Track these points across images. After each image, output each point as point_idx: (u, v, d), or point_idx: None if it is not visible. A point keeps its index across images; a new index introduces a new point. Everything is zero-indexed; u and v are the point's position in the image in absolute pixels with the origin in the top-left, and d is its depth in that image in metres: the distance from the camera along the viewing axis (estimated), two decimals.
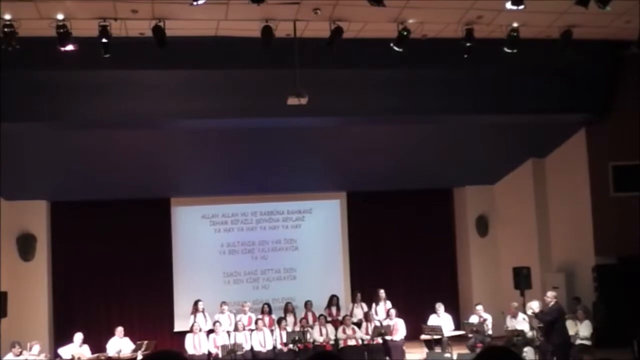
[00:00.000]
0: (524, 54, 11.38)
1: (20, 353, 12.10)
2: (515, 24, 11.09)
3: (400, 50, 10.95)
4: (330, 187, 16.88)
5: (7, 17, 9.57)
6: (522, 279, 13.83)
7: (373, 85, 12.74)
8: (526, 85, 13.31)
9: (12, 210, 15.14)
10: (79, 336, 13.00)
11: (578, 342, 12.80)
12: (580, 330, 13.02)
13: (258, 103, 12.32)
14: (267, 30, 10.44)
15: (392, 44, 10.92)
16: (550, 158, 16.18)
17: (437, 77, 12.85)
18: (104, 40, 10.05)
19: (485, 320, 13.86)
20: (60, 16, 9.70)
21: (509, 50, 11.27)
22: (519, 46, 11.23)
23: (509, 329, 13.38)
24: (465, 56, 11.25)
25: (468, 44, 11.14)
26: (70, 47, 9.99)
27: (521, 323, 13.32)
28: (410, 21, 10.85)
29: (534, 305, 12.41)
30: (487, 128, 14.62)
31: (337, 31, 10.67)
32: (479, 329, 13.65)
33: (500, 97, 13.27)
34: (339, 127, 14.22)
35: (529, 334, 12.99)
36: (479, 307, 14.14)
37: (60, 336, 14.75)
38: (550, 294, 12.60)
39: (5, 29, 9.59)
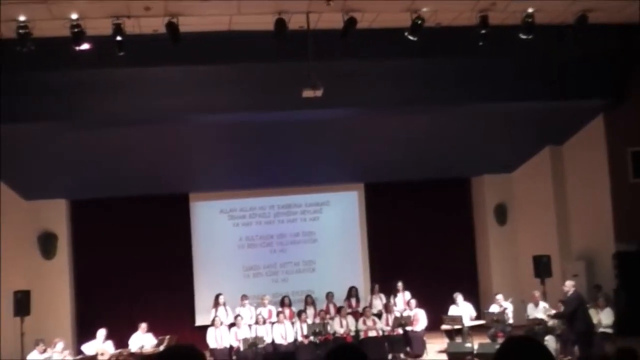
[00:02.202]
0: (539, 40, 11.28)
1: (45, 350, 12.21)
2: (530, 10, 10.99)
3: (415, 39, 10.89)
4: (347, 179, 16.87)
5: (22, 18, 9.62)
6: (542, 267, 13.76)
7: (388, 76, 12.69)
8: (542, 72, 13.19)
9: (32, 209, 15.29)
10: (102, 332, 13.09)
11: (600, 330, 12.71)
12: (602, 318, 12.93)
13: (274, 96, 12.32)
14: (280, 23, 10.42)
15: (406, 33, 10.86)
16: (568, 145, 16.06)
17: (452, 65, 12.78)
18: (118, 38, 10.08)
19: (505, 309, 13.80)
20: (74, 16, 9.73)
21: (525, 37, 11.17)
22: (534, 32, 11.12)
23: (530, 317, 13.31)
24: (481, 44, 11.17)
25: (483, 31, 11.06)
26: (85, 47, 10.04)
27: (542, 312, 13.24)
28: (424, 9, 10.79)
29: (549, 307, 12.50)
30: (504, 116, 14.52)
31: (351, 22, 10.62)
32: (499, 318, 13.59)
33: (516, 84, 13.17)
34: (355, 118, 14.19)
35: (550, 322, 12.92)
36: (499, 297, 14.08)
37: (83, 333, 14.88)
38: (569, 283, 12.53)
39: (20, 31, 9.64)
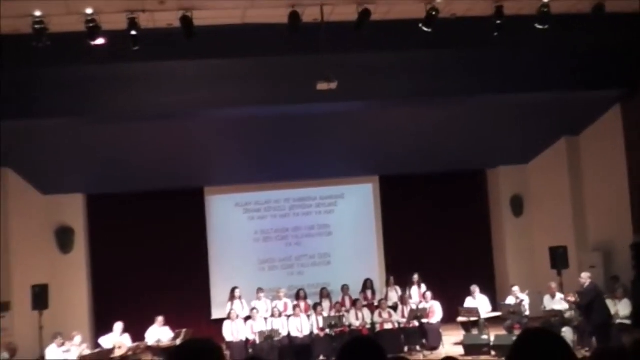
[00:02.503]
0: (555, 31, 11.18)
1: (63, 344, 12.31)
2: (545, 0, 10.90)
3: (429, 30, 10.83)
4: (362, 172, 16.86)
5: (38, 13, 9.66)
6: (558, 259, 13.68)
7: (403, 68, 12.64)
8: (558, 62, 13.09)
9: (49, 204, 15.42)
10: (119, 326, 13.17)
11: (618, 321, 12.63)
12: (620, 309, 12.85)
13: (288, 89, 12.32)
14: (294, 16, 10.40)
15: (420, 25, 10.80)
16: (585, 135, 15.95)
17: (467, 56, 12.71)
18: (133, 32, 10.10)
19: (522, 301, 13.75)
20: (89, 11, 9.77)
21: (540, 27, 11.07)
22: (550, 22, 11.03)
23: (547, 309, 13.25)
24: (496, 34, 11.09)
25: (498, 22, 10.97)
26: (100, 41, 10.07)
27: (559, 303, 13.19)
28: (439, 0, 10.72)
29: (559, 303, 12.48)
30: (519, 107, 14.44)
31: (365, 14, 10.58)
32: (516, 310, 13.55)
33: (532, 75, 13.07)
34: (370, 111, 14.17)
35: (567, 314, 12.86)
36: (515, 288, 14.03)
37: (101, 326, 14.98)
38: (585, 275, 12.47)
39: (36, 26, 9.69)
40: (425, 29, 10.82)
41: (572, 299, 12.47)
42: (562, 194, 16.21)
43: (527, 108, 14.42)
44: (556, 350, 2.35)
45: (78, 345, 12.53)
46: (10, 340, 12.87)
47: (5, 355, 12.01)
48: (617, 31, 12.53)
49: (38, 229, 15.24)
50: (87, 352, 12.41)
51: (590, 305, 11.89)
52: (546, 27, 11.06)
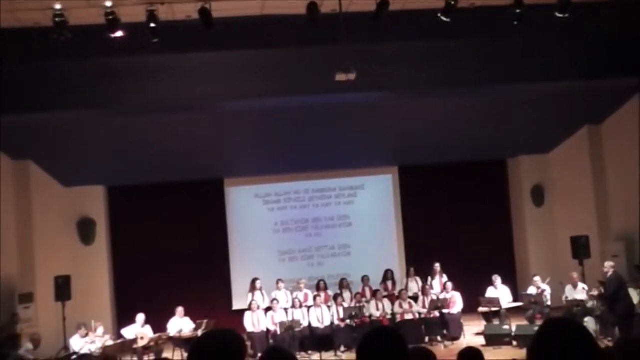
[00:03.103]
0: (575, 18, 11.06)
1: (87, 334, 12.45)
2: None
3: (448, 20, 10.75)
4: (381, 162, 16.84)
5: (58, 7, 9.72)
6: (580, 248, 13.60)
7: (421, 58, 12.58)
8: (579, 51, 12.95)
9: (71, 196, 15.57)
10: (141, 317, 13.29)
11: None
12: None
13: (307, 81, 12.30)
14: (312, 7, 10.37)
15: (439, 14, 10.74)
16: (607, 124, 15.81)
17: (486, 46, 12.60)
18: (152, 25, 10.13)
19: (543, 291, 13.70)
20: (108, 3, 9.81)
21: (560, 15, 10.95)
22: (570, 10, 10.91)
23: (569, 299, 13.18)
24: (515, 23, 10.98)
25: (518, 11, 10.87)
26: (119, 34, 10.11)
27: (581, 293, 13.11)
28: None
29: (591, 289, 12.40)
30: (540, 96, 14.32)
31: (383, 4, 10.52)
32: (537, 300, 13.50)
33: (552, 64, 12.95)
34: (389, 101, 14.12)
35: (589, 303, 12.78)
36: (537, 278, 13.96)
37: (123, 317, 15.15)
38: (608, 264, 12.38)
39: (57, 19, 9.75)
40: (444, 18, 10.75)
41: (595, 292, 12.40)
42: (584, 183, 16.09)
43: (548, 97, 14.30)
44: (579, 341, 2.33)
45: (101, 335, 12.67)
46: (34, 331, 13.04)
47: (30, 346, 12.16)
48: (637, 18, 12.38)
49: (60, 221, 15.39)
50: (110, 342, 12.53)
51: (613, 295, 11.80)
52: (566, 15, 10.94)
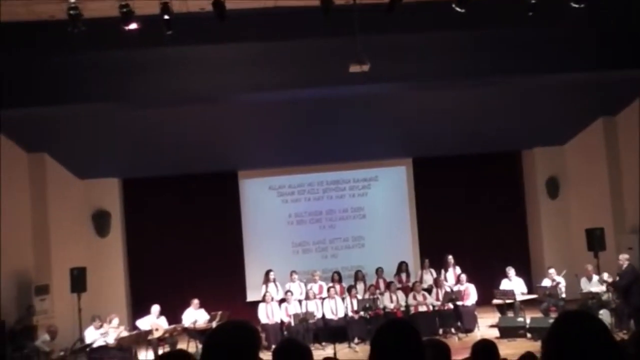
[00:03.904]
0: (590, 9, 10.95)
1: (101, 326, 12.53)
2: None
3: (462, 11, 10.68)
4: (395, 154, 16.81)
5: (72, 0, 9.74)
6: (595, 241, 13.51)
7: (435, 49, 12.51)
8: (594, 41, 12.84)
9: (86, 188, 15.67)
10: (156, 308, 13.36)
11: None
12: None
13: (320, 72, 12.27)
14: None
15: (453, 5, 10.66)
16: (622, 115, 15.69)
17: (501, 36, 12.51)
18: (166, 17, 10.13)
19: (558, 283, 13.65)
20: None
21: (576, 5, 10.85)
22: (585, 0, 10.80)
23: (584, 291, 13.12)
24: (530, 14, 10.90)
25: (533, 1, 10.78)
26: (133, 26, 10.12)
27: (596, 285, 13.05)
28: None
29: (605, 276, 12.27)
30: (555, 87, 14.22)
31: None
32: (552, 292, 13.45)
33: (567, 54, 12.83)
34: (403, 93, 14.08)
35: (604, 296, 12.72)
36: (552, 271, 13.92)
37: (137, 309, 15.25)
38: (623, 256, 12.32)
39: (71, 12, 9.77)
40: (458, 9, 10.68)
41: (610, 279, 12.34)
42: (599, 175, 15.98)
43: (563, 88, 14.20)
44: (595, 333, 2.32)
45: (116, 327, 12.74)
46: (50, 322, 13.15)
47: (47, 337, 12.27)
48: None
49: (75, 213, 15.49)
50: (125, 333, 12.61)
51: (628, 288, 11.74)
52: (582, 5, 10.84)
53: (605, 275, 12.63)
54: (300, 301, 14.13)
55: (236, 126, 14.51)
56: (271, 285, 14.65)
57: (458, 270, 14.88)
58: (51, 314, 13.96)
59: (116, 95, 12.10)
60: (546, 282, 13.84)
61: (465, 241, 16.51)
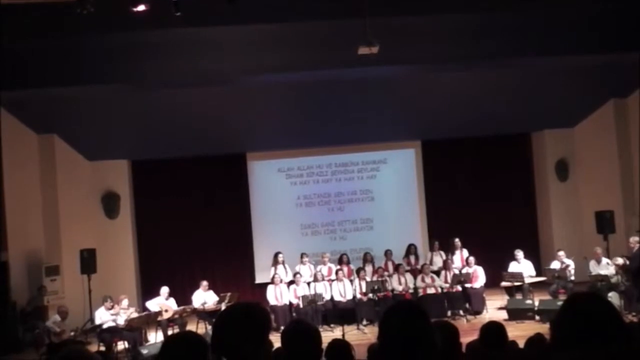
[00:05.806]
0: None
1: (112, 307, 12.61)
2: None
3: None
4: (404, 136, 16.75)
5: None
6: (605, 223, 13.48)
7: (445, 31, 12.42)
8: (605, 23, 12.71)
9: (95, 170, 15.70)
10: (165, 289, 13.43)
11: None
12: None
13: (330, 54, 12.22)
14: None
15: None
16: (633, 98, 15.58)
17: (512, 19, 12.42)
18: None
19: (567, 266, 13.63)
20: None
21: None
22: None
23: (593, 274, 13.10)
24: None
25: None
26: (142, 7, 10.09)
27: (605, 268, 13.03)
28: None
29: (619, 260, 12.26)
30: (565, 69, 14.13)
31: None
32: (561, 275, 13.44)
33: (577, 36, 12.73)
34: (412, 75, 14.02)
35: (614, 279, 12.71)
36: (561, 253, 13.90)
37: (147, 290, 15.34)
38: (633, 239, 12.29)
39: None
40: None
41: (620, 262, 12.32)
42: (609, 157, 15.91)
43: (573, 70, 14.11)
44: (604, 315, 2.32)
45: (126, 308, 12.82)
46: (61, 303, 13.25)
47: (57, 317, 12.36)
48: None
49: (85, 195, 15.55)
50: (135, 315, 12.69)
51: (638, 270, 11.72)
52: None
53: (620, 260, 12.59)
54: (309, 283, 14.17)
55: (245, 108, 14.49)
56: (280, 267, 14.69)
57: (465, 253, 14.87)
58: (61, 294, 14.08)
59: (125, 77, 12.09)
60: (555, 265, 13.83)
61: (474, 223, 16.47)
